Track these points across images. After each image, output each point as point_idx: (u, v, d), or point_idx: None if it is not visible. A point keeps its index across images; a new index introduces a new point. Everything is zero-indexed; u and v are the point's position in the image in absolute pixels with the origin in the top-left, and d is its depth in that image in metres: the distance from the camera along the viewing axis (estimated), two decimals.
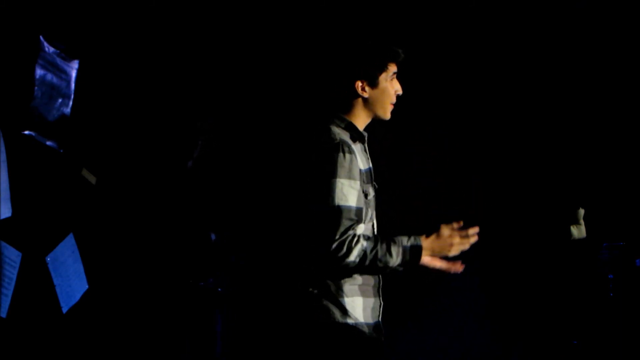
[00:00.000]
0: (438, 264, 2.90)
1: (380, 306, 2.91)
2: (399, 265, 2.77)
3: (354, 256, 2.70)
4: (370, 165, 2.95)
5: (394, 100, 2.94)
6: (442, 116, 5.15)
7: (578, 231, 4.95)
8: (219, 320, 4.21)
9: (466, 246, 2.84)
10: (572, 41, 4.99)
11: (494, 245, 5.12)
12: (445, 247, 2.82)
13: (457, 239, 2.82)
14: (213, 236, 4.25)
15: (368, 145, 2.99)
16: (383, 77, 2.90)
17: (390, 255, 2.75)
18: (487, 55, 5.09)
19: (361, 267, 2.74)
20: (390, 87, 2.92)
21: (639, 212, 4.83)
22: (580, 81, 5.04)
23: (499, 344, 5.13)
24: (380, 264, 2.74)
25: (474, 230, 2.83)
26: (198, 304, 4.09)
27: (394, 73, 2.93)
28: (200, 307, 4.09)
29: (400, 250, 2.76)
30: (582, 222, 4.96)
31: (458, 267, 2.93)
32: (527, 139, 5.14)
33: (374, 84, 2.90)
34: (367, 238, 2.75)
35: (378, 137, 3.12)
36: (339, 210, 2.71)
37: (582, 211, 4.97)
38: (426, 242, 2.80)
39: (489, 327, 5.14)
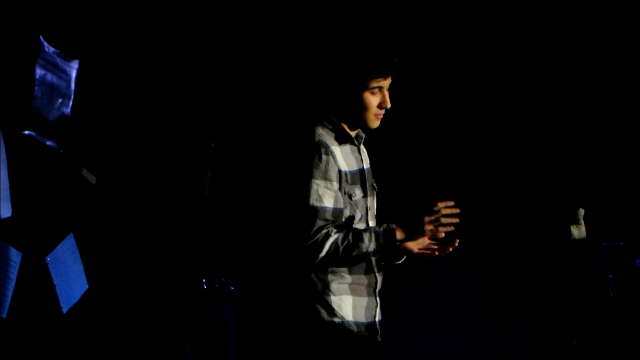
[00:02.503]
0: (421, 249, 2.90)
1: (376, 306, 2.90)
2: (375, 250, 2.77)
3: (325, 250, 2.73)
4: (364, 166, 2.94)
5: (376, 112, 2.88)
6: (442, 116, 5.15)
7: (578, 231, 4.95)
8: (231, 318, 4.22)
9: (446, 226, 2.77)
10: (570, 41, 4.99)
11: (494, 245, 5.12)
12: (420, 227, 2.78)
13: (431, 218, 2.76)
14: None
15: (369, 147, 2.99)
16: (361, 90, 2.85)
17: (362, 240, 2.75)
18: (488, 56, 5.09)
19: (337, 259, 2.75)
20: (372, 100, 2.86)
21: (639, 212, 4.83)
22: (579, 81, 5.04)
23: (499, 344, 5.13)
24: (355, 252, 2.75)
25: (446, 203, 2.77)
26: (201, 303, 4.08)
27: (379, 87, 2.85)
28: (203, 306, 4.09)
29: (373, 235, 2.77)
30: (582, 222, 4.96)
31: (447, 248, 2.91)
32: (526, 139, 5.14)
33: (353, 95, 2.86)
34: (338, 231, 2.76)
35: (378, 138, 3.12)
36: (313, 211, 2.74)
37: (582, 211, 4.97)
38: (399, 225, 2.79)
39: (488, 327, 5.14)
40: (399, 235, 2.79)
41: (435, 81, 5.07)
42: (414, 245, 2.91)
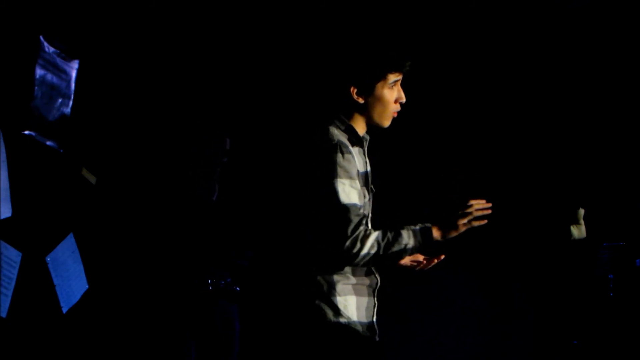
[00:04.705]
0: (411, 260, 2.99)
1: (374, 306, 2.92)
2: (413, 247, 2.79)
3: (367, 248, 2.73)
4: (368, 169, 2.95)
5: (393, 108, 2.91)
6: (441, 116, 5.15)
7: (578, 231, 4.95)
8: (236, 318, 4.22)
9: (479, 220, 2.83)
10: (570, 41, 4.99)
11: (494, 245, 5.12)
12: (454, 223, 2.81)
13: (465, 212, 2.81)
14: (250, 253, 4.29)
15: (368, 149, 3.00)
16: (380, 85, 2.86)
17: (402, 236, 2.77)
18: (487, 56, 5.09)
19: (377, 257, 2.76)
20: (388, 95, 2.88)
21: (639, 212, 4.83)
22: (579, 81, 5.04)
23: (499, 344, 5.13)
24: (395, 248, 2.76)
25: (478, 201, 2.83)
26: (202, 303, 4.08)
27: (395, 81, 2.88)
28: (204, 306, 4.09)
29: (411, 233, 2.79)
30: (582, 222, 4.96)
31: (432, 261, 2.99)
32: (527, 139, 5.14)
33: (368, 91, 2.87)
34: (376, 230, 2.79)
35: (378, 139, 3.12)
36: (346, 209, 2.73)
37: (582, 211, 4.97)
38: (434, 223, 2.83)
39: (488, 327, 5.14)
40: (435, 232, 2.81)
41: (434, 81, 5.07)
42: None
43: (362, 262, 2.76)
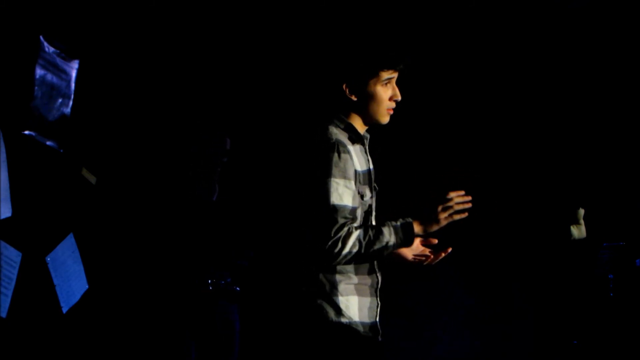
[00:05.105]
0: (416, 255, 2.98)
1: (377, 306, 2.92)
2: (394, 244, 2.79)
3: (348, 247, 2.74)
4: (371, 167, 2.95)
5: (387, 106, 2.90)
6: (442, 116, 5.15)
7: (578, 231, 4.95)
8: (236, 319, 4.22)
9: (460, 213, 2.81)
10: (570, 41, 4.99)
11: (493, 244, 5.12)
12: (434, 216, 2.81)
13: (445, 206, 2.80)
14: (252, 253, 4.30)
15: (370, 147, 3.00)
16: (372, 83, 2.87)
17: (383, 234, 2.78)
18: (487, 56, 5.09)
19: (359, 256, 2.77)
20: (382, 92, 2.88)
21: (639, 212, 4.83)
22: (579, 81, 5.04)
23: (499, 344, 5.13)
24: (376, 246, 2.77)
25: (457, 192, 2.81)
26: (202, 303, 4.08)
27: (389, 79, 2.88)
28: (204, 306, 4.09)
29: (392, 229, 2.79)
30: (582, 222, 4.96)
31: (440, 255, 2.98)
32: (526, 139, 5.14)
33: (360, 89, 2.88)
34: (358, 227, 2.78)
35: (378, 139, 3.13)
36: (334, 209, 2.74)
37: (582, 211, 4.97)
38: (414, 218, 2.83)
39: (488, 327, 5.14)
40: (416, 227, 2.82)
41: (435, 81, 5.07)
42: (409, 252, 2.96)
43: (344, 261, 2.76)
